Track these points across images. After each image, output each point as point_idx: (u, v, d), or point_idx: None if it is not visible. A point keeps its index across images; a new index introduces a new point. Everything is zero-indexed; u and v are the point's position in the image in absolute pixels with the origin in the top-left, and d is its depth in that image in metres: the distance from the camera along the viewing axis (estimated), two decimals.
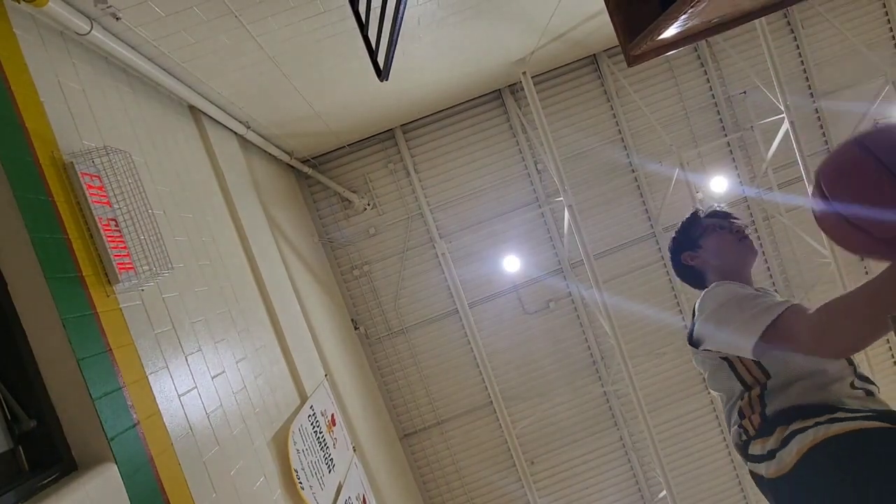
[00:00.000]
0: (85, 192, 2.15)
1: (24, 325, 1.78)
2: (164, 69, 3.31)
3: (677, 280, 7.39)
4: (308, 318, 4.86)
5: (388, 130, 6.97)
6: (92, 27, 2.55)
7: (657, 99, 7.18)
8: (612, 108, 7.12)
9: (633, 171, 7.21)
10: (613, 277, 7.28)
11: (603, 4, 1.64)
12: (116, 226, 2.26)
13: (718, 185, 7.17)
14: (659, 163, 7.03)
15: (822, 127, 7.38)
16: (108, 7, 2.56)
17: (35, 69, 2.20)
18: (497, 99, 7.06)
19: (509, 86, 6.97)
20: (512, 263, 7.12)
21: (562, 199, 6.02)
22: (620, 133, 7.18)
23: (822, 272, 7.21)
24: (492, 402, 6.95)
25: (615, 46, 6.94)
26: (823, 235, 6.26)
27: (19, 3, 2.20)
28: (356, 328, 7.10)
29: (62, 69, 2.42)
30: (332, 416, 4.33)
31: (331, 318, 5.97)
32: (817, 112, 7.34)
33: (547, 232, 7.28)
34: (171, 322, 2.51)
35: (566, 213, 6.12)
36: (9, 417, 1.71)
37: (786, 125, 6.25)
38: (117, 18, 2.68)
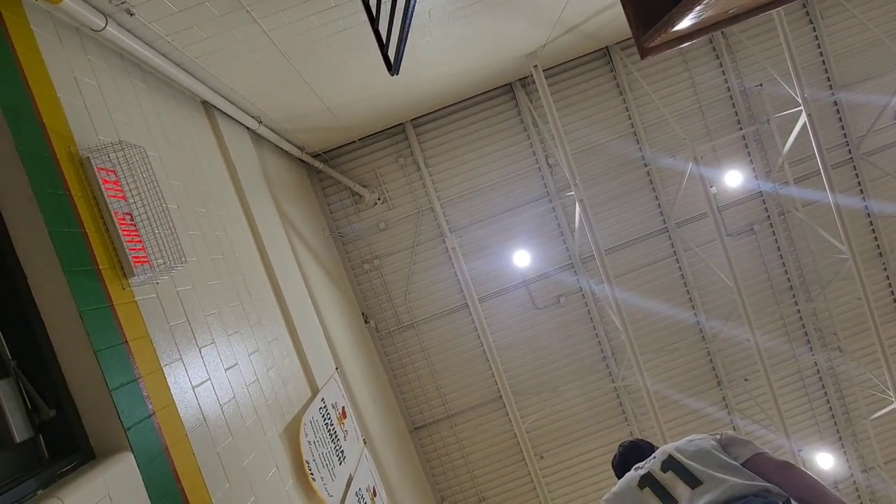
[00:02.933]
0: (101, 186, 2.18)
1: (43, 317, 1.82)
2: (177, 64, 3.34)
3: (690, 275, 7.33)
4: (319, 312, 4.90)
5: (398, 125, 6.97)
6: (107, 23, 2.58)
7: (671, 92, 7.07)
8: (625, 102, 7.04)
9: (645, 165, 7.13)
10: (625, 272, 7.23)
11: None
12: (131, 220, 2.29)
13: (733, 180, 7.07)
14: (672, 157, 6.94)
15: (840, 120, 7.23)
16: (122, 3, 2.59)
17: (52, 65, 2.23)
18: (508, 93, 7.01)
19: (520, 79, 6.92)
20: (522, 258, 7.10)
21: (573, 193, 5.98)
22: (633, 127, 7.09)
23: (839, 268, 7.08)
24: (501, 396, 6.96)
25: (628, 39, 6.85)
26: (841, 230, 6.15)
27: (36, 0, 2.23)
28: (367, 322, 7.14)
29: (78, 65, 2.45)
30: (343, 408, 4.37)
31: (342, 312, 6.01)
32: (836, 105, 7.18)
33: (558, 227, 7.24)
34: (186, 315, 2.55)
35: (577, 208, 6.08)
36: (29, 407, 1.76)
37: (803, 118, 6.13)
38: (131, 14, 2.70)
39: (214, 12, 2.99)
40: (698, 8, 1.27)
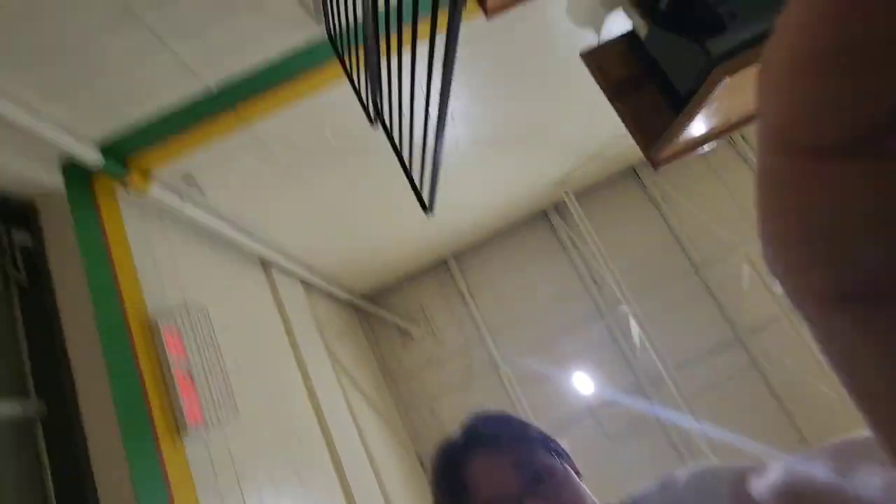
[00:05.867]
0: (165, 347, 2.32)
1: (96, 480, 1.82)
2: (239, 228, 3.75)
3: (780, 387, 6.52)
4: (373, 463, 4.63)
5: (440, 259, 7.26)
6: (182, 202, 3.00)
7: (707, 198, 7.11)
8: (661, 214, 7.10)
9: (696, 272, 6.90)
10: (700, 391, 6.54)
11: None
12: (190, 377, 2.38)
13: None
14: (723, 263, 6.71)
15: None
16: (193, 184, 3.04)
17: (134, 239, 2.56)
18: (544, 218, 7.28)
19: (554, 205, 7.22)
20: (584, 382, 6.64)
21: (624, 306, 5.77)
22: (675, 236, 7.04)
23: None
24: None
25: None
26: None
27: (128, 192, 2.66)
28: (423, 465, 6.62)
29: (155, 237, 2.80)
30: None
31: (397, 459, 5.64)
32: None
33: (616, 345, 6.86)
34: (235, 472, 2.47)
35: (632, 322, 5.81)
36: None
37: None
38: (203, 194, 3.15)
39: (270, 183, 3.44)
40: (696, 121, 1.35)
